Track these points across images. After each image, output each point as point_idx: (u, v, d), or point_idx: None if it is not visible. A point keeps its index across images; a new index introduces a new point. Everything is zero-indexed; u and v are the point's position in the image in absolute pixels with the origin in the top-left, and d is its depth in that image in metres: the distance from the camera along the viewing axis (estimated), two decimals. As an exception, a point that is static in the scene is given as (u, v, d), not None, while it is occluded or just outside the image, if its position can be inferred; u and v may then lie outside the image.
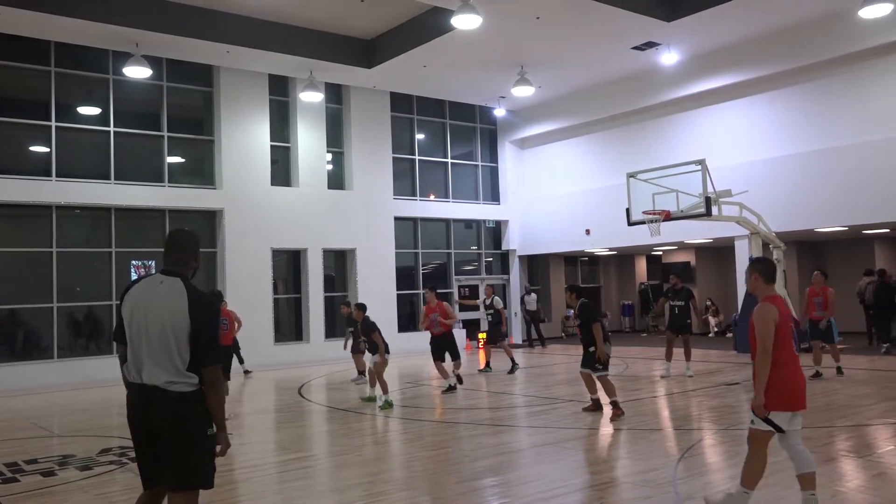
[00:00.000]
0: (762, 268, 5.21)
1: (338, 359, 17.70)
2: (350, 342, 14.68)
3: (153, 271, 17.53)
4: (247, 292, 18.04)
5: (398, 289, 20.93)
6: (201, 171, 18.54)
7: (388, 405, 10.91)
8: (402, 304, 21.20)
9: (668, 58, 17.63)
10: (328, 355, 18.41)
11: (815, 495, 5.02)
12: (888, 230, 18.10)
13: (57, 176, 16.27)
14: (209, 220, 18.29)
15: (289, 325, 19.52)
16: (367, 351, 12.15)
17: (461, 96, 22.12)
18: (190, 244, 4.11)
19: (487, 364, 15.45)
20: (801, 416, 5.08)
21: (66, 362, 15.93)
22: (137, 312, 3.93)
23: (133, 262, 17.40)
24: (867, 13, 13.94)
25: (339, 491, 6.56)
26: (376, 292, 20.21)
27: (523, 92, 19.05)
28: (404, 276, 21.39)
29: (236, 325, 12.76)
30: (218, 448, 3.94)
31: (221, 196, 18.11)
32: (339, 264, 20.52)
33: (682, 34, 16.62)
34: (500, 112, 22.59)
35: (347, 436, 9.29)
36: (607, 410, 9.43)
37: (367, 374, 12.83)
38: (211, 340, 3.91)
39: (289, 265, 19.66)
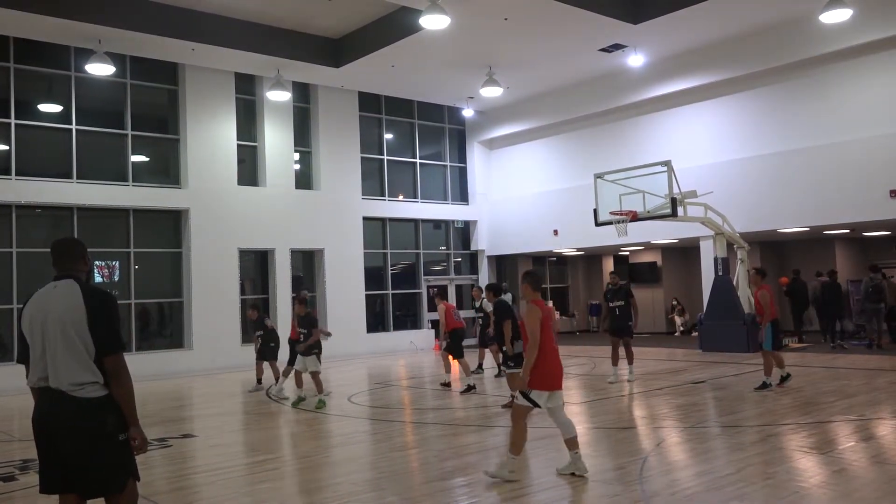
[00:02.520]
0: (530, 279, 6.65)
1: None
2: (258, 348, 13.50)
3: (116, 272, 17.37)
4: (213, 293, 17.84)
5: (367, 289, 20.85)
6: (166, 170, 18.29)
7: (322, 404, 10.89)
8: (370, 304, 21.14)
9: (635, 60, 17.82)
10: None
11: (578, 453, 6.36)
12: (848, 231, 18.48)
13: (16, 174, 15.93)
14: (175, 219, 18.04)
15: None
16: (271, 355, 11.79)
17: (430, 96, 22.11)
18: (75, 250, 4.11)
19: (479, 366, 15.21)
20: (560, 395, 6.44)
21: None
22: (35, 320, 3.93)
23: (96, 262, 17.10)
24: (828, 18, 14.23)
25: (308, 493, 6.52)
26: (345, 293, 20.13)
27: (491, 93, 19.11)
28: (373, 277, 21.32)
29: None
30: (135, 444, 3.86)
31: (187, 195, 17.88)
32: (307, 265, 20.39)
33: (649, 37, 16.80)
34: (468, 112, 22.63)
35: (316, 437, 9.23)
36: (491, 412, 9.52)
37: (282, 376, 12.50)
38: (109, 329, 3.87)
39: (256, 266, 19.48)
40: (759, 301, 11.29)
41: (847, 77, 16.12)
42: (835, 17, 14.15)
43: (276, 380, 12.81)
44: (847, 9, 13.91)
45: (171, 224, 17.97)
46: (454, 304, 12.91)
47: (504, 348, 9.80)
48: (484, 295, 16.07)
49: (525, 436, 6.32)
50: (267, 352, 13.25)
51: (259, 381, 13.48)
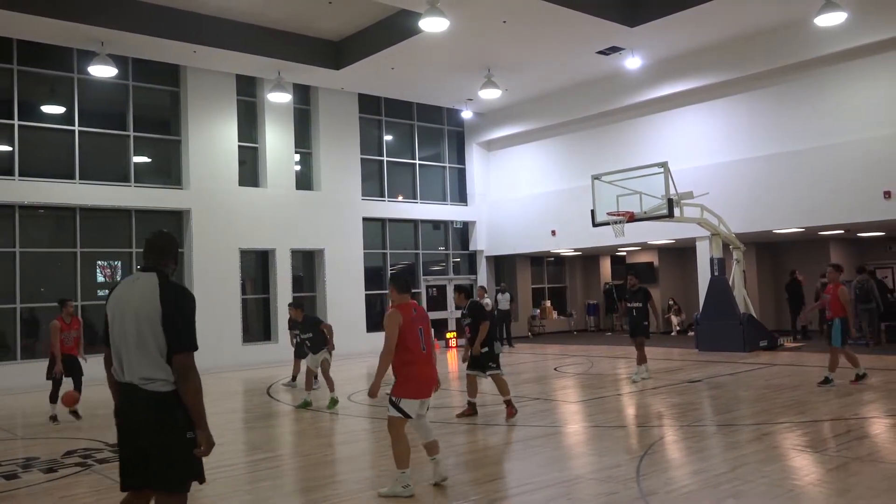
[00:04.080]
0: (395, 282, 6.27)
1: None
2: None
3: (119, 272, 17.37)
4: (215, 292, 17.84)
5: (366, 289, 20.86)
6: (168, 171, 18.30)
7: (334, 403, 10.88)
8: (370, 304, 21.15)
9: (632, 62, 17.83)
10: (296, 355, 18.28)
11: (437, 458, 6.19)
12: (842, 231, 18.51)
13: (20, 175, 15.93)
14: (176, 220, 18.05)
15: (257, 326, 19.35)
16: (308, 352, 11.67)
17: (429, 98, 22.13)
18: (166, 246, 4.08)
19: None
20: (428, 402, 6.19)
21: (30, 364, 15.58)
22: (117, 310, 3.90)
23: (98, 262, 17.11)
24: (823, 21, 14.26)
25: (308, 491, 6.53)
26: (345, 292, 20.15)
27: (490, 95, 19.12)
28: (372, 277, 21.34)
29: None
30: (200, 448, 3.80)
31: (189, 196, 17.88)
32: (308, 265, 20.40)
33: (646, 39, 16.82)
34: (467, 114, 22.64)
35: (317, 436, 9.24)
36: (489, 411, 9.54)
37: (299, 378, 12.65)
38: (182, 326, 3.81)
39: (257, 265, 19.49)
40: (837, 297, 10.95)
41: (841, 80, 16.14)
42: (829, 20, 14.19)
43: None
44: (842, 12, 13.95)
45: (172, 224, 17.97)
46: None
47: (485, 350, 9.43)
48: (486, 293, 16.05)
49: (408, 446, 6.00)
50: (303, 350, 13.42)
51: (294, 377, 13.66)
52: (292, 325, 13.72)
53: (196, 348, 3.86)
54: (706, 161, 18.10)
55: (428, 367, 6.13)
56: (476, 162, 23.91)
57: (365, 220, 21.05)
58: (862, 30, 15.13)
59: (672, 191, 15.20)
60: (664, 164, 15.29)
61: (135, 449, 3.80)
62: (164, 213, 17.81)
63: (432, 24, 14.13)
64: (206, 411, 3.86)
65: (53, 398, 10.66)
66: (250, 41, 17.01)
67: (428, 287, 22.59)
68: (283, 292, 19.09)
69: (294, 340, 13.67)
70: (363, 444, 8.61)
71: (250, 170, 19.36)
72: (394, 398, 6.02)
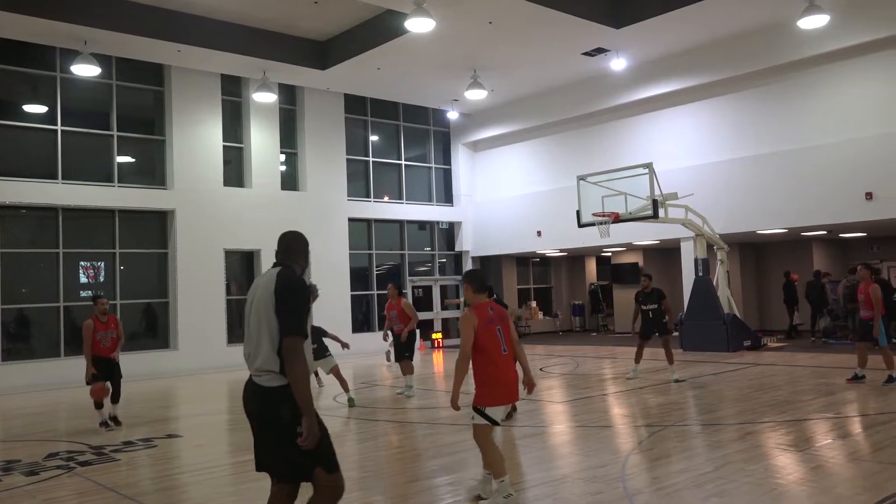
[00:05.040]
0: (470, 280, 5.84)
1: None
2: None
3: (102, 272, 17.22)
4: (199, 293, 17.74)
5: (352, 290, 20.81)
6: (152, 171, 18.17)
7: (352, 402, 11.02)
8: (356, 305, 21.10)
9: (618, 63, 17.90)
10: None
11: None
12: (825, 232, 18.67)
13: (1, 175, 15.76)
14: (160, 220, 17.92)
15: (242, 327, 19.22)
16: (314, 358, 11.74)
17: (415, 99, 22.11)
18: (291, 244, 4.27)
19: None
20: (508, 407, 5.98)
21: (11, 365, 15.44)
22: (247, 306, 4.13)
23: (81, 263, 16.96)
24: (806, 23, 14.39)
25: (293, 492, 6.49)
26: (331, 293, 20.05)
27: (476, 95, 19.13)
28: (358, 278, 21.29)
29: None
30: (301, 437, 3.75)
31: (173, 196, 17.76)
32: (293, 265, 20.28)
33: (631, 41, 16.89)
34: (453, 115, 22.64)
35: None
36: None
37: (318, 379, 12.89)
38: (290, 311, 3.87)
39: (242, 266, 19.39)
40: (870, 297, 10.94)
41: (825, 82, 16.28)
42: (812, 22, 14.33)
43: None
44: (824, 14, 14.08)
45: (156, 225, 17.85)
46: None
47: None
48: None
49: (500, 454, 5.65)
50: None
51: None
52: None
53: (304, 335, 3.91)
54: (691, 162, 18.20)
55: (509, 370, 5.68)
56: (462, 162, 23.92)
57: (350, 220, 20.99)
58: (845, 32, 15.27)
59: (657, 192, 15.28)
60: (649, 165, 15.37)
61: (258, 436, 4.01)
62: (148, 214, 17.68)
63: (418, 25, 14.12)
64: (311, 401, 3.83)
65: (98, 404, 9.67)
66: (236, 41, 16.92)
67: (414, 288, 22.56)
68: (269, 293, 18.96)
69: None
70: (348, 446, 8.57)
71: (235, 170, 19.25)
72: (478, 406, 5.60)
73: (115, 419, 9.89)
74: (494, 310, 5.70)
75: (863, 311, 11.20)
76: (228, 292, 18.59)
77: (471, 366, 5.62)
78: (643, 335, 12.82)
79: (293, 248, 4.25)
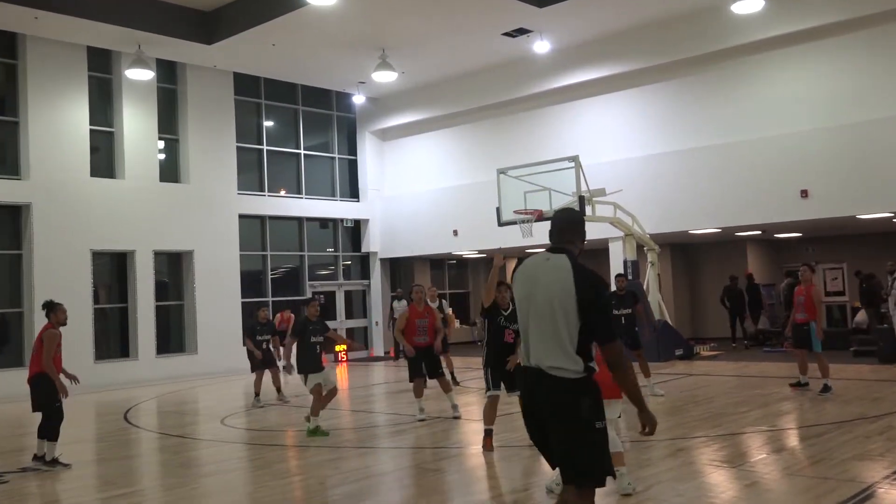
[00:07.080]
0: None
1: (172, 377, 17.04)
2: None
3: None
4: (61, 301, 16.93)
5: (243, 296, 20.41)
6: (3, 158, 17.38)
7: (316, 431, 10.14)
8: (247, 313, 20.70)
9: (541, 46, 18.20)
10: (160, 374, 17.72)
11: (621, 471, 6.06)
12: (759, 232, 19.52)
13: None
14: (13, 215, 17.15)
15: (113, 340, 18.61)
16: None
17: (316, 80, 21.91)
18: (564, 225, 4.37)
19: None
20: (618, 406, 6.37)
21: None
22: (526, 291, 4.21)
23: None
24: (740, 8, 15.02)
25: (173, 530, 6.31)
26: (218, 300, 19.63)
27: (385, 77, 19.10)
28: (250, 282, 20.91)
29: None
30: (645, 429, 4.18)
31: (29, 188, 17.02)
32: (174, 268, 19.77)
33: (555, 22, 17.21)
34: (359, 99, 22.54)
35: (183, 466, 8.96)
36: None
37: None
38: (603, 317, 4.11)
39: (113, 270, 18.76)
40: (811, 299, 11.23)
41: (759, 71, 17.00)
42: (746, 7, 14.95)
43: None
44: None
45: (8, 221, 17.07)
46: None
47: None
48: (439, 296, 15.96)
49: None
50: (271, 358, 13.59)
51: (258, 393, 13.31)
52: (268, 328, 13.75)
53: (618, 337, 4.16)
54: (619, 155, 18.64)
55: (601, 365, 5.92)
56: (369, 153, 23.83)
57: (241, 217, 20.61)
58: (781, 19, 15.98)
59: (584, 187, 15.61)
60: (575, 159, 15.68)
61: (544, 436, 4.10)
62: (-2, 208, 16.91)
63: (319, -4, 13.99)
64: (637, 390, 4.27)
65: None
66: (105, 8, 16.35)
67: (315, 293, 22.31)
68: (145, 301, 18.44)
69: (265, 346, 13.52)
70: (238, 475, 8.40)
71: (105, 158, 18.62)
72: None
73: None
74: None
75: (798, 314, 11.65)
76: (96, 300, 17.93)
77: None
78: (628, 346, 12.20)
79: (567, 228, 4.35)
